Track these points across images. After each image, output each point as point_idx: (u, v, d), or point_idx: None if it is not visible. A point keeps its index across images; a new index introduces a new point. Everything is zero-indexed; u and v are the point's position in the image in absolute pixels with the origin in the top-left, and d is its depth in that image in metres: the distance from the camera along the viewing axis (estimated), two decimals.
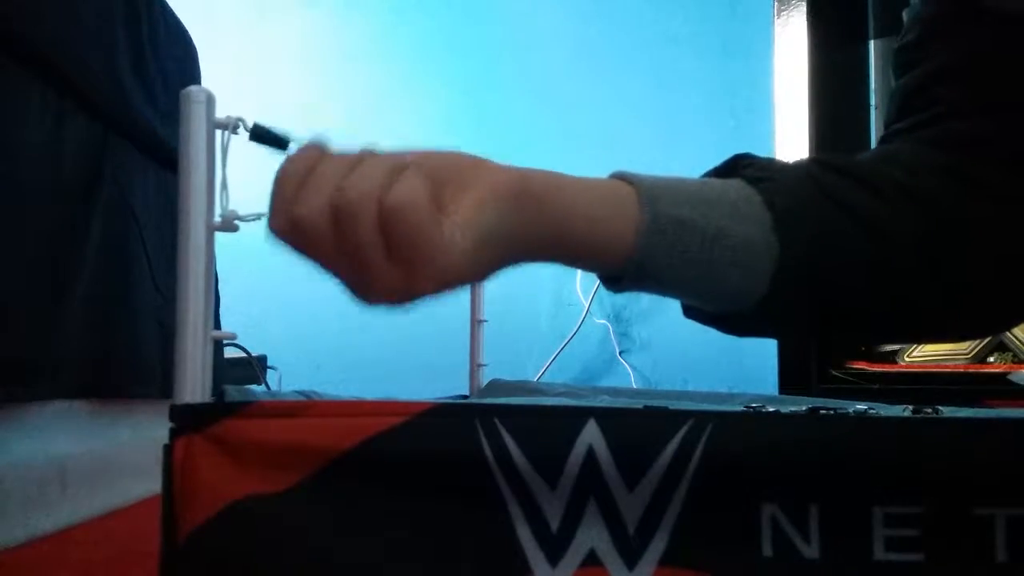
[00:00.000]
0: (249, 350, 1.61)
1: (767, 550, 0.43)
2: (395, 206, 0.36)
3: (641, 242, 0.42)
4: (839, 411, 0.47)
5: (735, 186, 0.45)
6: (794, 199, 0.44)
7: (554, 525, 0.44)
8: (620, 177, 0.45)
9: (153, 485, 0.48)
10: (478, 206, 0.39)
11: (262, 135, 0.42)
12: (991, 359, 1.76)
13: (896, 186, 0.46)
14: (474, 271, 0.40)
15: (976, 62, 0.48)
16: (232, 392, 0.52)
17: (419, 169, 0.38)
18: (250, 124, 0.43)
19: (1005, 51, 0.47)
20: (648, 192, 0.43)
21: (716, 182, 0.46)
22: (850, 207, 0.45)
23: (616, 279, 0.45)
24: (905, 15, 0.53)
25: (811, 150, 1.86)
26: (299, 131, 0.42)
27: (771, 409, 0.47)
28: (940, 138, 0.48)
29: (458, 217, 0.39)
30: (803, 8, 1.88)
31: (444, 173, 0.40)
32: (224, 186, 0.46)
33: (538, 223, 0.41)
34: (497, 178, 0.41)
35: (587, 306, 1.96)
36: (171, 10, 1.28)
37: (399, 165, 0.38)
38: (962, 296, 0.47)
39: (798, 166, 0.47)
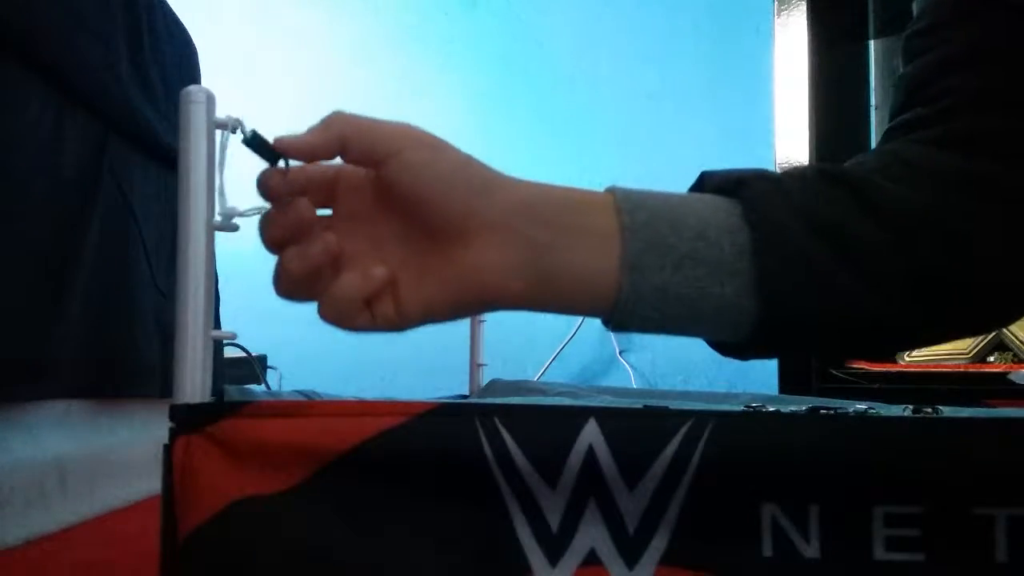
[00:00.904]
0: (249, 350, 1.61)
1: (767, 550, 0.43)
2: (329, 307, 0.42)
3: (620, 307, 0.42)
4: (839, 411, 0.47)
5: (730, 225, 0.43)
6: (782, 249, 0.42)
7: (554, 525, 0.44)
8: (613, 198, 0.43)
9: (153, 485, 0.48)
10: (426, 307, 0.42)
11: (256, 144, 0.42)
12: (991, 359, 1.76)
13: (902, 208, 0.44)
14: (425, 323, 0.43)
15: (987, 53, 0.46)
16: (232, 392, 0.52)
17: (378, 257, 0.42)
18: (249, 125, 0.43)
19: (1017, 42, 0.46)
20: (634, 250, 0.42)
21: (714, 221, 0.43)
22: (847, 247, 0.43)
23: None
24: (915, 5, 0.52)
25: (811, 150, 1.86)
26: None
27: (771, 409, 0.47)
28: (946, 138, 0.46)
29: (403, 307, 0.42)
30: (803, 8, 1.88)
31: (417, 243, 0.42)
32: (221, 191, 0.46)
33: (506, 308, 0.43)
34: (467, 278, 0.41)
35: None
36: (171, 10, 1.28)
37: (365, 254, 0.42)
38: (966, 312, 0.47)
39: (799, 189, 0.45)
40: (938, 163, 0.46)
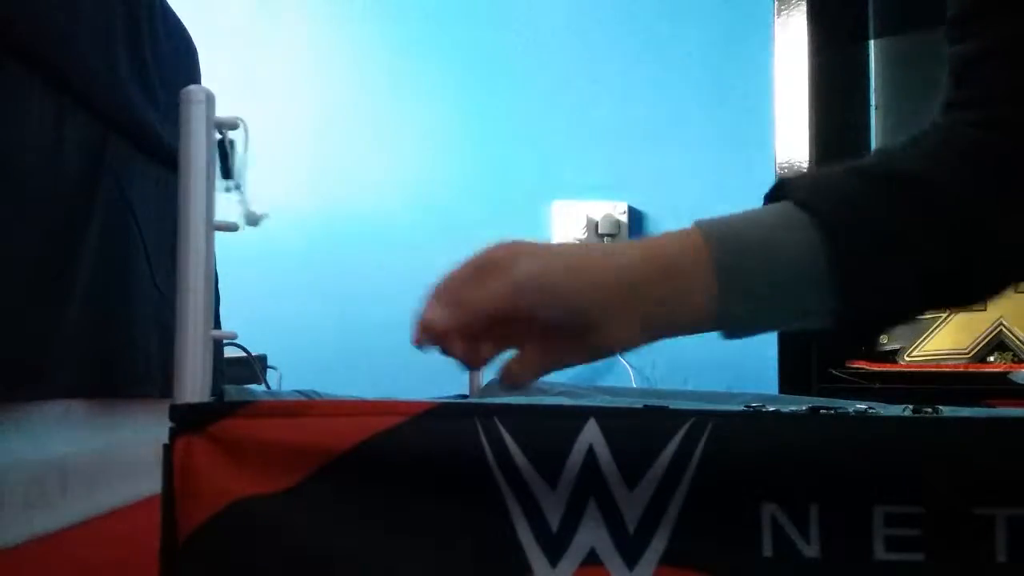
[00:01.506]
0: (249, 350, 1.61)
1: (767, 550, 0.43)
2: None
3: (717, 323, 0.48)
4: (839, 411, 0.47)
5: (809, 240, 0.47)
6: (857, 253, 0.47)
7: (554, 525, 0.44)
8: (703, 235, 0.48)
9: (153, 485, 0.48)
10: (565, 366, 0.50)
11: (223, 152, 0.43)
12: (991, 359, 1.76)
13: (954, 208, 0.47)
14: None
15: (1015, 46, 0.48)
16: (232, 392, 0.52)
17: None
18: (249, 126, 0.44)
19: None
20: (728, 274, 0.47)
21: (787, 235, 0.48)
22: (907, 244, 0.47)
23: None
24: None
25: (811, 150, 1.86)
26: (302, 131, 0.43)
27: (771, 409, 0.47)
28: (988, 121, 0.49)
29: (547, 370, 0.50)
30: (803, 8, 1.89)
31: (551, 340, 0.49)
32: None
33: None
34: (600, 350, 0.49)
35: None
36: (171, 10, 1.28)
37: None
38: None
39: (858, 191, 0.48)
40: (985, 148, 0.48)
